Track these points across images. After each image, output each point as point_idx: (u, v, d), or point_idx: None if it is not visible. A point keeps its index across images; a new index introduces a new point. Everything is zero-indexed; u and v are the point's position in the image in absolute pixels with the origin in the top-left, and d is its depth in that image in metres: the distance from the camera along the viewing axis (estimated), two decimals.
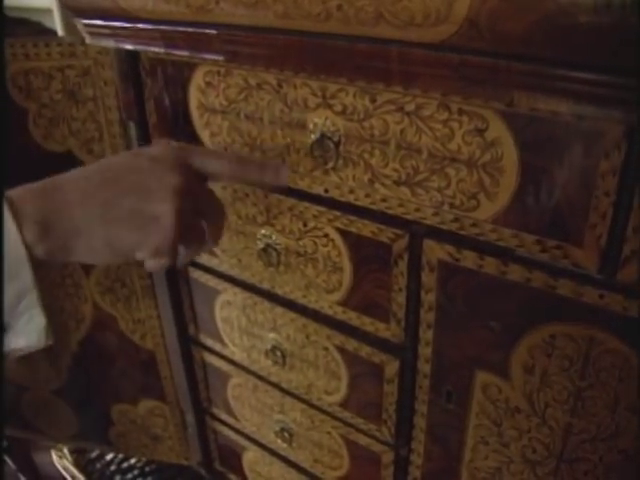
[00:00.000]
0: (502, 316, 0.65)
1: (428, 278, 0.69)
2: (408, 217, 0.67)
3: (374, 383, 0.82)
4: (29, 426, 1.33)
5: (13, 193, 0.50)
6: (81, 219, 0.52)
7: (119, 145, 0.93)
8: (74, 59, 0.90)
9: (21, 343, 0.51)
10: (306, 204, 0.76)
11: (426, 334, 0.72)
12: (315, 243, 0.78)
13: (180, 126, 0.85)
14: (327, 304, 0.81)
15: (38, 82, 0.92)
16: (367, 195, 0.69)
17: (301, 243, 0.80)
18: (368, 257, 0.74)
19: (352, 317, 0.79)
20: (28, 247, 0.49)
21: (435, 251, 0.67)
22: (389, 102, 0.62)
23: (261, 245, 0.84)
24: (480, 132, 0.58)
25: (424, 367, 0.75)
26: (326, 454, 0.97)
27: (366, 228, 0.72)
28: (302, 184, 0.74)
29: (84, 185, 0.53)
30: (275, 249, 0.83)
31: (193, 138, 0.84)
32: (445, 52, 0.51)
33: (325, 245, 0.77)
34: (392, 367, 0.78)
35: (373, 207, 0.69)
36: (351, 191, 0.70)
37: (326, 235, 0.76)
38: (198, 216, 0.60)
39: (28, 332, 0.51)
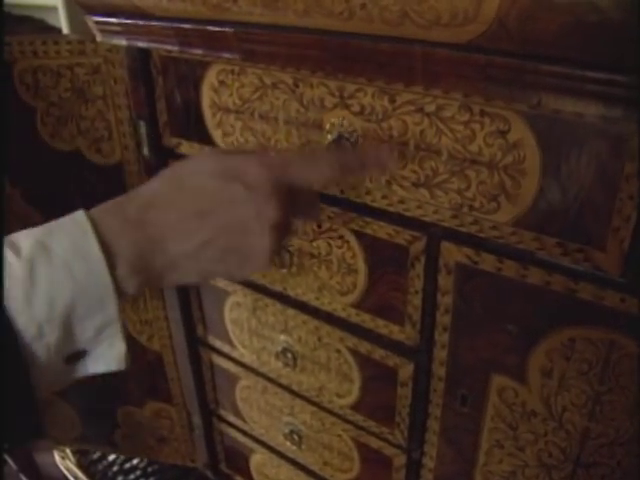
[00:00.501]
0: (520, 319, 0.64)
1: (445, 281, 0.68)
2: (426, 219, 0.66)
3: (387, 386, 0.81)
4: None
5: (103, 224, 0.47)
6: (177, 255, 0.49)
7: (129, 145, 0.92)
8: (84, 57, 0.89)
9: (100, 369, 0.49)
10: (321, 205, 0.75)
11: (442, 337, 0.71)
12: (329, 245, 0.77)
13: (192, 125, 0.84)
14: (340, 306, 0.80)
15: (46, 80, 0.91)
16: (384, 197, 0.68)
17: (315, 244, 0.79)
18: (384, 259, 0.73)
19: (366, 319, 0.78)
20: (118, 282, 0.46)
21: (453, 254, 0.66)
22: (409, 103, 0.61)
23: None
24: (502, 134, 0.57)
25: (439, 370, 0.74)
26: (336, 457, 0.97)
27: (382, 230, 0.71)
28: (318, 185, 0.73)
29: (179, 217, 0.49)
30: (288, 250, 0.82)
31: (205, 138, 0.83)
32: (471, 52, 0.50)
33: (340, 247, 0.76)
34: (406, 370, 0.77)
35: (390, 209, 0.68)
36: (368, 192, 0.69)
37: (341, 237, 0.75)
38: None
39: (108, 359, 0.49)
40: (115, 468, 1.62)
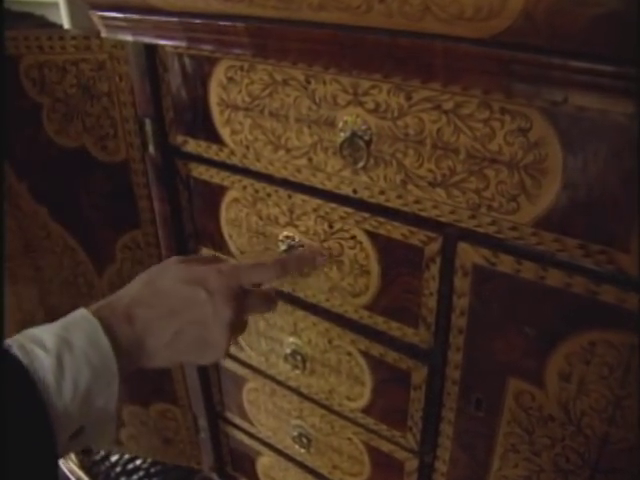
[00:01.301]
0: (539, 322, 0.63)
1: (461, 282, 0.66)
2: (442, 220, 0.64)
3: (400, 389, 0.80)
4: None
5: (104, 320, 0.59)
6: (156, 346, 0.62)
7: (134, 142, 0.91)
8: (89, 53, 0.87)
9: (90, 443, 0.62)
10: (332, 205, 0.73)
11: (457, 339, 0.70)
12: (341, 245, 0.75)
13: (199, 123, 0.82)
14: (352, 308, 0.79)
15: (52, 76, 0.90)
16: (399, 196, 0.66)
17: (326, 245, 0.77)
18: (398, 260, 0.71)
19: (378, 322, 0.77)
20: (119, 367, 0.58)
21: (470, 255, 0.64)
22: (426, 100, 0.60)
23: (283, 247, 0.81)
24: (523, 132, 0.55)
25: (453, 373, 0.72)
26: (346, 460, 0.95)
27: (396, 230, 0.69)
28: (329, 184, 0.72)
29: (157, 314, 0.62)
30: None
31: (212, 135, 0.81)
32: (495, 48, 0.48)
33: (352, 247, 0.74)
34: (420, 373, 0.76)
35: (405, 209, 0.67)
36: (382, 192, 0.67)
37: (353, 237, 0.74)
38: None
39: (100, 434, 0.61)
40: (118, 469, 1.62)
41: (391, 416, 0.84)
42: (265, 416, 1.06)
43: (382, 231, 0.70)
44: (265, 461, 1.14)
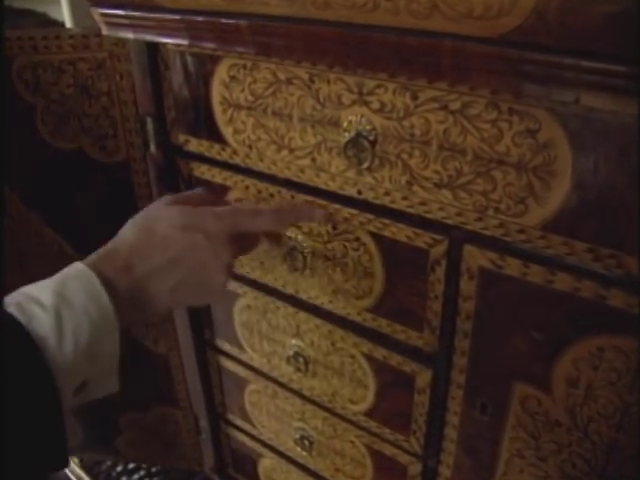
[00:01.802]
0: (546, 327, 0.62)
1: (467, 285, 0.65)
2: (448, 222, 0.63)
3: (404, 393, 0.79)
4: None
5: (102, 273, 0.59)
6: (157, 293, 0.63)
7: (135, 142, 0.89)
8: (87, 51, 0.86)
9: (97, 395, 0.62)
10: (336, 206, 0.72)
11: (462, 343, 0.69)
12: (345, 247, 0.74)
13: (201, 122, 0.81)
14: (356, 310, 0.78)
15: (47, 76, 0.88)
16: (404, 198, 0.65)
17: (329, 246, 0.76)
18: (402, 262, 0.70)
19: (382, 324, 0.76)
20: (118, 318, 0.58)
21: (476, 258, 0.63)
22: (432, 100, 0.58)
23: (286, 248, 0.80)
24: (532, 133, 0.54)
25: (458, 377, 0.71)
26: (348, 463, 0.94)
27: (401, 232, 0.68)
28: (333, 185, 0.71)
29: (157, 263, 0.63)
30: (301, 252, 0.79)
31: (215, 135, 0.80)
32: (505, 47, 0.47)
33: (356, 249, 0.73)
34: (424, 377, 0.75)
35: (411, 211, 0.66)
36: (387, 193, 0.66)
37: (357, 239, 0.73)
38: None
39: (104, 385, 0.62)
40: (119, 469, 1.61)
41: (394, 419, 0.83)
42: (267, 418, 1.05)
43: (387, 233, 0.69)
44: (267, 463, 1.13)
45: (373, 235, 0.71)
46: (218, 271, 0.66)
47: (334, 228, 0.74)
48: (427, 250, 0.67)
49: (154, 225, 0.65)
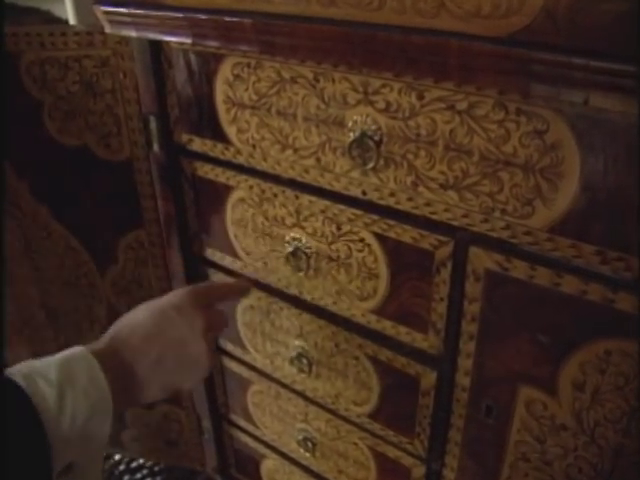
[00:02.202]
0: (552, 330, 0.61)
1: (473, 288, 0.64)
2: (454, 223, 0.63)
3: (408, 395, 0.78)
4: None
5: (98, 351, 0.62)
6: (144, 372, 0.65)
7: (138, 141, 0.89)
8: (92, 49, 0.86)
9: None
10: (341, 206, 0.72)
11: (467, 346, 0.68)
12: (349, 248, 0.74)
13: (204, 121, 0.80)
14: (360, 312, 0.77)
15: (54, 73, 0.88)
16: (410, 199, 0.65)
17: (334, 247, 0.75)
18: (407, 264, 0.69)
19: (387, 326, 0.75)
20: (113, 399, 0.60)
21: (482, 260, 0.62)
22: (438, 100, 0.58)
23: (290, 248, 0.80)
24: (539, 134, 0.53)
25: (463, 380, 0.71)
26: (351, 465, 0.94)
27: (406, 234, 0.67)
28: (338, 186, 0.70)
29: (140, 344, 0.65)
30: (305, 253, 0.78)
31: (218, 134, 0.79)
32: (513, 47, 0.46)
33: (360, 250, 0.73)
34: (429, 379, 0.74)
35: (416, 212, 0.65)
36: (392, 194, 0.66)
37: (362, 240, 0.72)
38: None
39: (89, 470, 0.63)
40: (122, 467, 1.61)
41: (398, 422, 0.82)
42: (270, 419, 1.04)
43: (392, 234, 0.69)
44: (269, 464, 1.12)
45: (378, 236, 0.70)
46: (195, 339, 0.68)
47: (338, 229, 0.74)
48: (432, 252, 0.66)
49: (132, 316, 0.69)
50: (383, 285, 0.73)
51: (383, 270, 0.72)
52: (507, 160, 0.56)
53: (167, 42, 0.78)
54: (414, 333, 0.73)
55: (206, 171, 0.85)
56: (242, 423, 1.12)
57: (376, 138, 0.64)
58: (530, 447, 0.69)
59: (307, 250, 0.78)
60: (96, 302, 1.04)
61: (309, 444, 0.98)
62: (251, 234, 0.85)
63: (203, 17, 0.66)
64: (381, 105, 0.62)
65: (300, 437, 0.99)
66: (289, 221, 0.79)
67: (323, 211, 0.74)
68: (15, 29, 0.87)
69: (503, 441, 0.71)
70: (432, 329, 0.71)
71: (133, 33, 0.76)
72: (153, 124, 0.86)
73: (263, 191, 0.79)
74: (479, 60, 0.49)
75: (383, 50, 0.54)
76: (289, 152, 0.73)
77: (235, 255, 0.89)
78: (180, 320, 0.68)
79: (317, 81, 0.66)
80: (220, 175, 0.83)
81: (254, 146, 0.76)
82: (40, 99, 0.89)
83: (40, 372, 0.58)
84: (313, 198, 0.74)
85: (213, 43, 0.69)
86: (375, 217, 0.69)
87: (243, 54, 0.71)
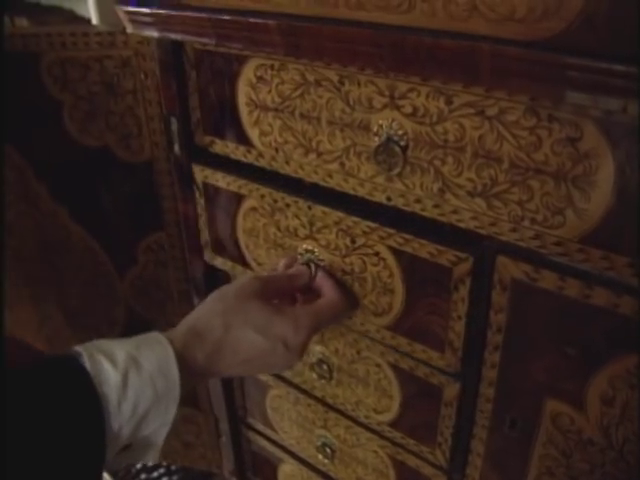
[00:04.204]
0: (581, 343, 0.59)
1: (499, 298, 0.63)
2: (481, 232, 0.61)
3: (430, 404, 0.76)
4: None
5: (181, 356, 0.61)
6: (221, 375, 0.68)
7: (159, 142, 0.88)
8: (113, 49, 0.85)
9: (134, 461, 0.64)
10: (355, 218, 0.70)
11: (492, 356, 0.66)
12: (364, 262, 0.72)
13: (226, 123, 0.79)
14: (374, 327, 0.75)
15: (74, 73, 0.88)
16: (436, 205, 0.63)
17: (347, 261, 0.73)
18: (424, 280, 0.67)
19: (402, 343, 0.73)
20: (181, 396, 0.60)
21: (509, 269, 0.61)
22: (467, 105, 0.56)
23: (302, 260, 0.78)
24: (572, 142, 0.51)
25: (487, 391, 0.69)
26: (370, 473, 0.92)
27: (423, 248, 0.65)
28: (362, 191, 0.68)
29: (234, 362, 0.66)
30: (318, 265, 0.77)
31: (240, 136, 0.78)
32: (548, 51, 0.44)
33: (375, 264, 0.71)
34: (452, 389, 0.73)
35: (442, 219, 0.63)
36: (417, 200, 0.64)
37: (377, 254, 0.70)
38: None
39: (145, 452, 0.63)
40: (139, 466, 1.61)
41: (420, 431, 0.81)
42: (289, 424, 1.03)
43: (408, 248, 0.67)
44: (287, 469, 1.11)
45: (393, 250, 0.68)
46: (286, 366, 0.70)
47: (353, 242, 0.72)
48: (450, 268, 0.64)
49: (237, 322, 0.66)
50: (399, 301, 0.71)
51: (399, 285, 0.70)
52: (538, 168, 0.54)
53: (189, 43, 0.77)
54: (430, 351, 0.71)
55: (217, 179, 0.84)
56: (260, 427, 1.11)
57: (402, 143, 0.62)
58: (556, 461, 0.67)
59: (320, 262, 0.77)
60: (115, 303, 1.04)
61: (328, 450, 0.97)
62: (262, 245, 0.83)
63: (227, 18, 0.65)
64: (408, 110, 0.60)
65: (319, 443, 0.98)
66: (302, 232, 0.77)
67: (337, 223, 0.72)
68: (36, 30, 0.86)
69: (527, 454, 0.69)
70: (449, 348, 0.69)
71: (155, 34, 0.75)
72: (174, 125, 0.85)
73: (275, 201, 0.77)
74: (512, 65, 0.47)
75: (412, 54, 0.52)
76: (312, 156, 0.71)
77: (246, 265, 0.88)
78: (284, 356, 0.67)
79: (342, 84, 0.64)
80: (231, 184, 0.82)
81: (277, 149, 0.75)
82: (60, 99, 0.88)
83: (108, 352, 0.57)
84: (326, 209, 0.72)
85: (237, 44, 0.67)
86: (391, 230, 0.67)
87: (267, 56, 0.69)
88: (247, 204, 0.82)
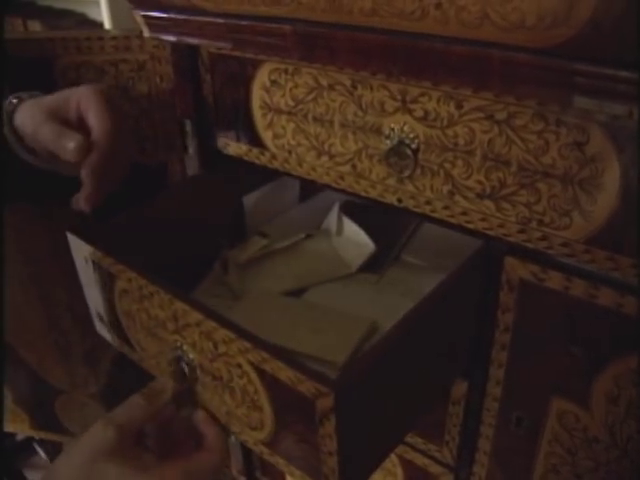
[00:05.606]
0: (587, 342, 0.60)
1: (507, 297, 0.64)
2: (490, 233, 0.62)
3: (437, 403, 0.77)
4: (61, 429, 1.31)
5: None
6: None
7: (174, 144, 0.90)
8: (129, 53, 0.86)
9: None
10: (213, 324, 0.58)
11: (499, 355, 0.68)
12: (229, 371, 0.60)
13: (241, 126, 0.81)
14: (252, 440, 0.64)
15: (90, 77, 0.89)
16: (446, 207, 0.64)
17: (215, 366, 0.62)
18: (288, 405, 0.55)
19: (280, 463, 0.62)
20: None
21: (517, 269, 0.62)
22: (477, 109, 0.58)
23: (172, 355, 0.67)
24: (579, 146, 0.53)
25: (494, 390, 0.70)
26: (378, 472, 0.93)
27: (282, 372, 0.53)
28: (373, 192, 0.70)
29: None
30: (188, 364, 0.65)
31: (254, 139, 0.80)
32: (556, 58, 0.46)
33: (240, 377, 0.59)
34: (459, 388, 0.74)
35: (452, 220, 0.65)
36: (428, 202, 0.66)
37: (239, 365, 0.58)
38: None
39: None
40: None
41: (427, 429, 0.82)
42: None
43: (267, 368, 0.54)
44: None
45: (254, 366, 0.56)
46: None
47: (215, 347, 0.60)
48: (312, 400, 0.51)
49: None
50: (269, 420, 0.59)
51: (266, 404, 0.58)
52: (546, 171, 0.56)
53: (204, 47, 0.79)
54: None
55: None
56: None
57: (413, 146, 0.64)
58: (561, 459, 0.68)
59: (190, 362, 0.65)
60: None
61: None
62: (140, 330, 0.73)
63: (243, 23, 0.67)
64: (419, 113, 0.62)
65: None
66: (170, 326, 0.65)
67: (197, 324, 0.60)
68: (51, 34, 0.88)
69: (533, 452, 0.70)
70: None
71: (172, 38, 0.77)
72: (189, 128, 0.87)
73: (140, 287, 0.67)
74: (521, 71, 0.49)
75: (424, 60, 0.54)
76: (325, 158, 0.73)
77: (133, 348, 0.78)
78: None
79: (355, 88, 0.66)
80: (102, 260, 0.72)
81: (290, 152, 0.77)
82: None
83: None
84: (186, 307, 0.60)
85: (252, 49, 0.69)
86: (248, 345, 0.55)
87: (281, 60, 0.71)
88: (120, 285, 0.72)
